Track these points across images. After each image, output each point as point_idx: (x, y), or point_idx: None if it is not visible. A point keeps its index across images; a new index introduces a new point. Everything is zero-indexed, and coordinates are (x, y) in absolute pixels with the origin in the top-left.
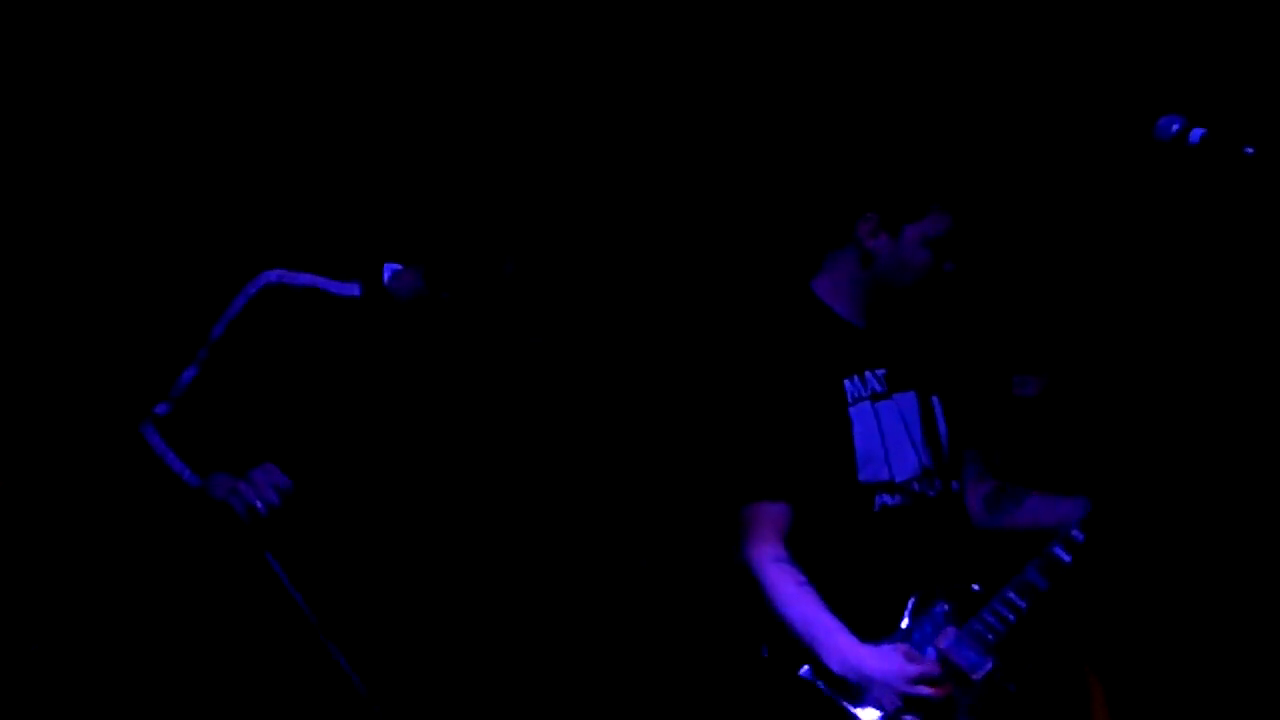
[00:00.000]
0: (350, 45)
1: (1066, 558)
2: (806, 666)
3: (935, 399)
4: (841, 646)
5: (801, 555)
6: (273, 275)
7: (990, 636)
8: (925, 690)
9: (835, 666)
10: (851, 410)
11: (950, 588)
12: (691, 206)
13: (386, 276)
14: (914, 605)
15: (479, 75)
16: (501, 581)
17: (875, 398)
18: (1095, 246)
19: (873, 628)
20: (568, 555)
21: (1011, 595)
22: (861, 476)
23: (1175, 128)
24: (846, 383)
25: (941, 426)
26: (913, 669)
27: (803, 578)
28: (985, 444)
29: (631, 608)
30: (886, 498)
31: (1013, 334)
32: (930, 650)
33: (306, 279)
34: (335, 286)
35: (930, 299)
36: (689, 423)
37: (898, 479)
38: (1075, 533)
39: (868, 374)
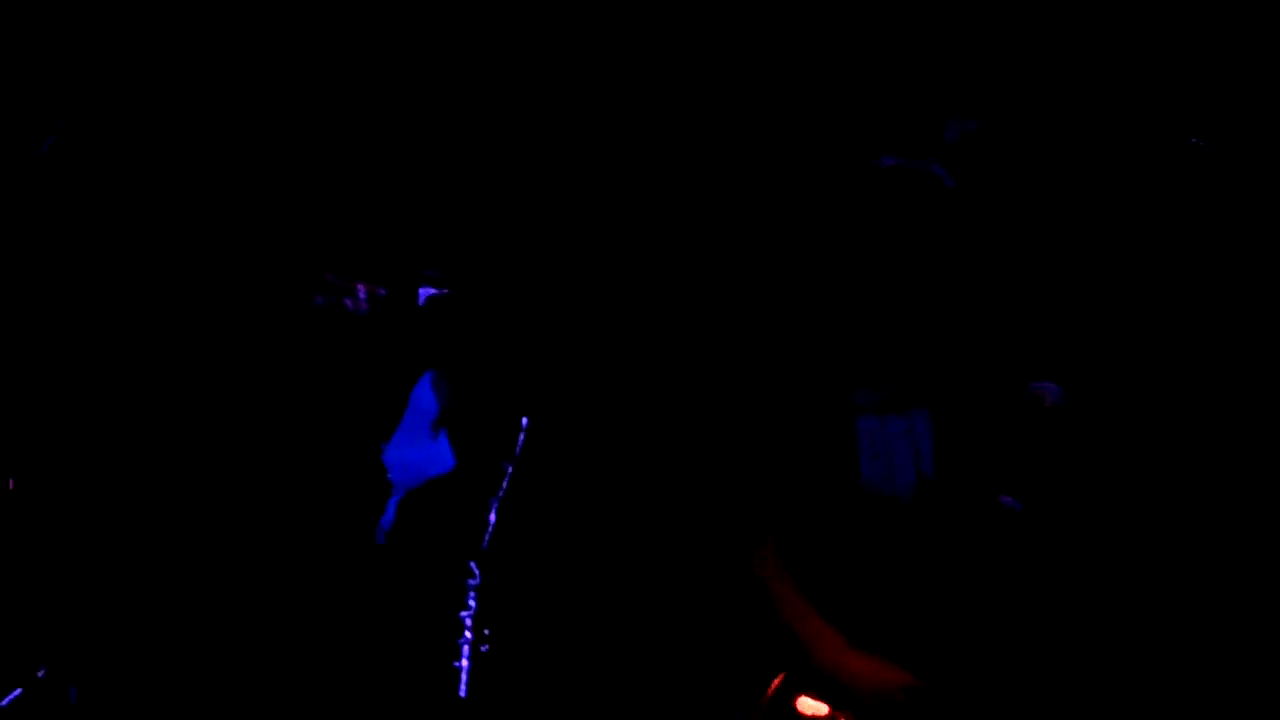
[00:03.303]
0: (389, 58)
1: None
2: None
3: (950, 416)
4: (828, 647)
5: (797, 561)
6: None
7: None
8: (905, 699)
9: (821, 666)
10: (859, 421)
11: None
12: (708, 208)
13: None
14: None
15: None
16: (513, 584)
17: (883, 410)
18: (1107, 247)
19: (864, 637)
20: (572, 557)
21: None
22: (865, 488)
23: None
24: (854, 394)
25: (954, 444)
26: (897, 676)
27: (796, 580)
28: (995, 465)
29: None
30: (887, 511)
31: (1026, 345)
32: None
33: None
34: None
35: (939, 310)
36: (691, 423)
37: (900, 493)
38: None
39: (878, 386)
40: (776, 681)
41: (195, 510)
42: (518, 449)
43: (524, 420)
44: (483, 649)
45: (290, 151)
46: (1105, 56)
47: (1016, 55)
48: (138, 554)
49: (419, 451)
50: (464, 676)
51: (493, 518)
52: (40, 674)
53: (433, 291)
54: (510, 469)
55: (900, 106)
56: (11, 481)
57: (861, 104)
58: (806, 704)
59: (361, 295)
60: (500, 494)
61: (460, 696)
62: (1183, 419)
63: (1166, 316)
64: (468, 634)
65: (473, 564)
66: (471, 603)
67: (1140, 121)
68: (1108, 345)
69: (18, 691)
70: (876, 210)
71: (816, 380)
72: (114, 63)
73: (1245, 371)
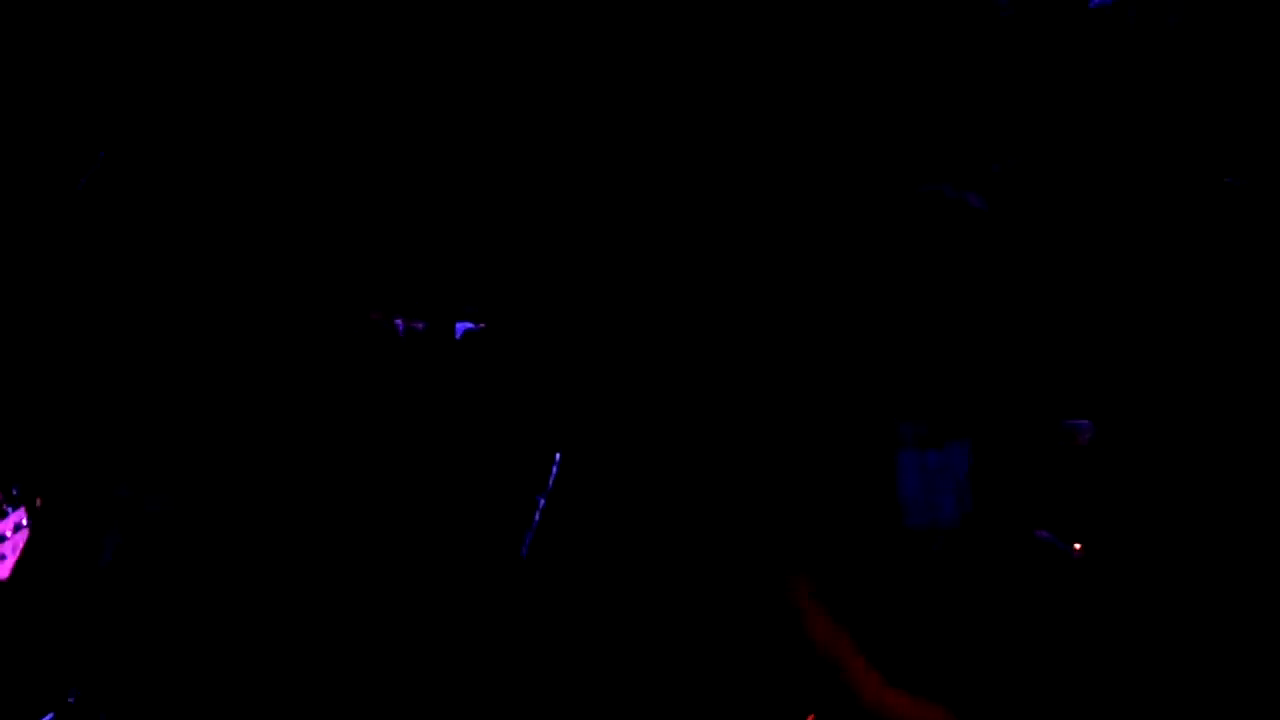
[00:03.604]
0: (428, 107)
1: None
2: None
3: (990, 448)
4: (865, 683)
5: (840, 595)
6: None
7: None
8: None
9: (857, 703)
10: (900, 456)
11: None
12: (749, 247)
13: (458, 333)
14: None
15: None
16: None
17: (924, 444)
18: (1143, 285)
19: (903, 672)
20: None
21: None
22: (906, 522)
23: None
24: (898, 428)
25: (995, 476)
26: (936, 714)
27: (837, 615)
28: (1033, 500)
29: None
30: (930, 544)
31: (1060, 376)
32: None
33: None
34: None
35: (977, 343)
36: (731, 455)
37: (942, 526)
38: None
39: (919, 420)
40: None
41: (236, 536)
42: (550, 483)
43: (557, 455)
44: (518, 682)
45: (333, 190)
46: (1142, 99)
47: (1061, 96)
48: (173, 583)
49: (455, 485)
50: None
51: (524, 551)
52: (71, 699)
53: (470, 326)
54: (543, 503)
55: (945, 141)
56: (39, 501)
57: (907, 138)
58: None
59: (400, 330)
60: (534, 527)
61: None
62: (1216, 455)
63: (1200, 353)
64: (503, 668)
65: (505, 595)
66: (506, 633)
67: (1178, 161)
68: (1141, 383)
69: (49, 716)
70: (917, 241)
71: (858, 414)
72: (166, 104)
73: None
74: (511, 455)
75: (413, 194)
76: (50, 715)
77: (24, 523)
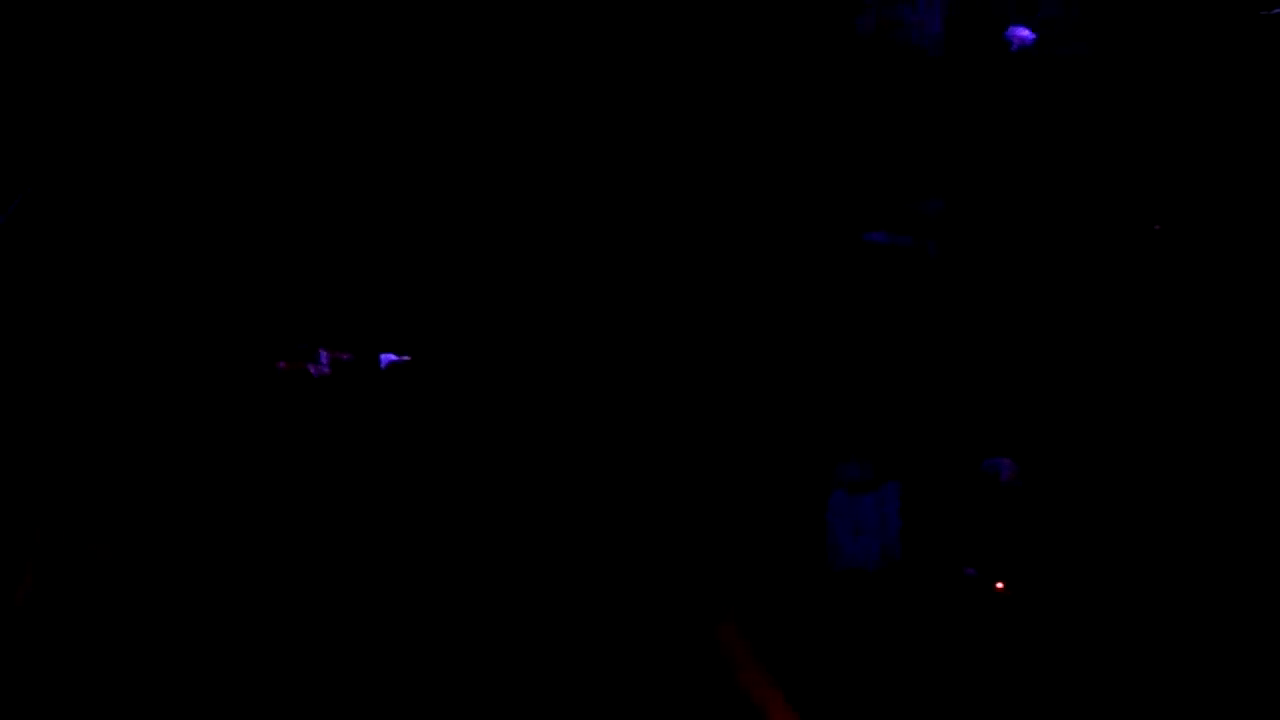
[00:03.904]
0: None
1: None
2: None
3: (918, 489)
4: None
5: (764, 633)
6: None
7: None
8: None
9: None
10: (830, 499)
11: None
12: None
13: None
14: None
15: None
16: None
17: (853, 488)
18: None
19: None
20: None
21: None
22: (834, 565)
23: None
24: (828, 470)
25: (922, 517)
26: None
27: (762, 654)
28: (959, 538)
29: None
30: (857, 585)
31: (983, 415)
32: None
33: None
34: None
35: (915, 384)
36: (667, 496)
37: (870, 569)
38: None
39: (851, 463)
40: None
41: (174, 562)
42: (477, 523)
43: (487, 490)
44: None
45: (259, 220)
46: (1066, 139)
47: (991, 142)
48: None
49: (379, 516)
50: None
51: (452, 597)
52: None
53: (394, 358)
54: (469, 542)
55: (887, 187)
56: None
57: (852, 186)
58: None
59: (324, 360)
60: (458, 569)
61: None
62: (1136, 491)
63: (1119, 391)
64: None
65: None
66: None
67: (1100, 204)
68: (1061, 422)
69: None
70: (852, 287)
71: (789, 456)
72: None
73: (1192, 445)
74: (437, 493)
75: (337, 225)
76: None
77: None
